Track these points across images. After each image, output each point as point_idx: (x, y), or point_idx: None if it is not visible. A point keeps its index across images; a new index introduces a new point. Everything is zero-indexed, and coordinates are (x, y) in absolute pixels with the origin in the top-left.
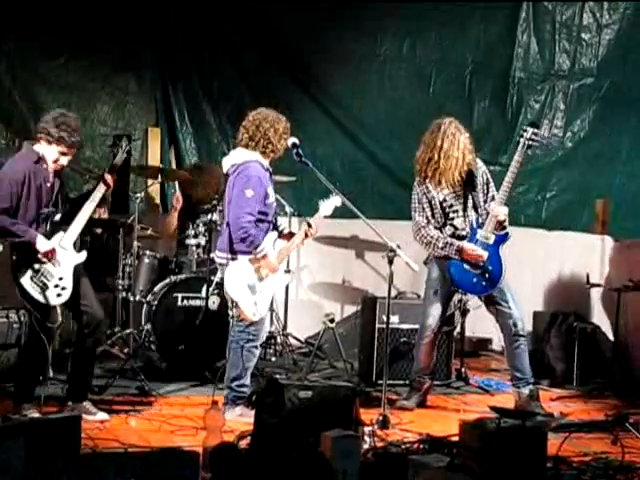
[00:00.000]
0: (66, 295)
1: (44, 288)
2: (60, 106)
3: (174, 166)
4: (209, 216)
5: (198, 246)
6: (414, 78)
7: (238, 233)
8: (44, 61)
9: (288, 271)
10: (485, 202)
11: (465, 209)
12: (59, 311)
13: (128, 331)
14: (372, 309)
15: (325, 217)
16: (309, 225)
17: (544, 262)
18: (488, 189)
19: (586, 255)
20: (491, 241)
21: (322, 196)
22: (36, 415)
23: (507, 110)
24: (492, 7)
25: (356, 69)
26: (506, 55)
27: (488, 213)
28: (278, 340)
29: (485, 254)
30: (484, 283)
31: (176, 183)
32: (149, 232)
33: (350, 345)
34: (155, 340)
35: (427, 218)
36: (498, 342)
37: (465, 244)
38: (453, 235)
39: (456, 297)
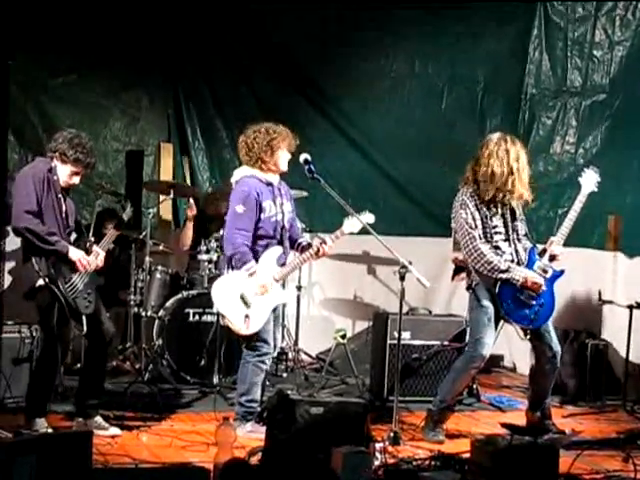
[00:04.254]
0: (92, 307)
1: (76, 297)
2: (73, 123)
3: (188, 181)
4: (221, 232)
5: (210, 262)
6: (426, 95)
7: (227, 249)
8: (57, 77)
9: (300, 287)
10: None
11: (508, 232)
12: (84, 321)
13: (140, 346)
14: (384, 325)
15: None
16: (323, 242)
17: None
18: (522, 218)
19: (598, 272)
20: (548, 275)
21: (334, 212)
22: (48, 430)
23: (519, 127)
24: (504, 24)
25: (368, 87)
26: (518, 72)
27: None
28: (289, 356)
29: (544, 286)
30: (533, 317)
31: (192, 200)
32: (161, 247)
33: (361, 361)
34: (166, 355)
35: (480, 236)
36: (510, 359)
37: (529, 272)
38: None
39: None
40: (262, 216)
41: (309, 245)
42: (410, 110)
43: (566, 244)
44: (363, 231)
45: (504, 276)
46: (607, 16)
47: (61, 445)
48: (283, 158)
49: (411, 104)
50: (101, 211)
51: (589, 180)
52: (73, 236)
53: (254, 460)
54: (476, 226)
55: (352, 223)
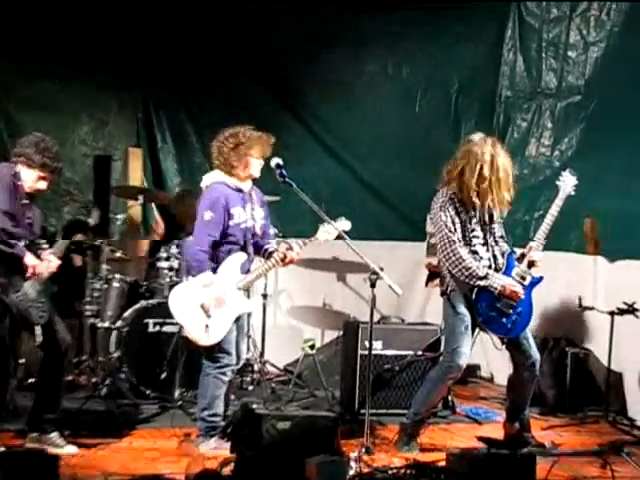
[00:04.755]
0: (46, 317)
1: (29, 307)
2: (40, 127)
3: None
4: (184, 238)
5: (170, 269)
6: (400, 98)
7: (187, 255)
8: (23, 81)
9: (265, 295)
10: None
11: (486, 236)
12: (38, 332)
13: (96, 359)
14: (354, 334)
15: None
16: (290, 248)
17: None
18: (500, 221)
19: (578, 277)
20: (527, 281)
21: (308, 217)
22: (1, 449)
23: (494, 129)
24: (478, 26)
25: (343, 92)
26: (492, 74)
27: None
28: (255, 368)
29: (523, 294)
30: (511, 326)
31: (154, 208)
32: (119, 254)
33: (331, 372)
34: (125, 369)
35: (459, 239)
36: (487, 368)
37: (508, 279)
38: None
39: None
40: (231, 223)
41: (276, 251)
42: (384, 114)
43: (544, 248)
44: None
45: (482, 283)
46: (582, 17)
47: (27, 460)
48: (254, 164)
49: (385, 108)
50: (72, 220)
51: (567, 183)
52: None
53: (226, 471)
54: (455, 230)
55: (327, 230)
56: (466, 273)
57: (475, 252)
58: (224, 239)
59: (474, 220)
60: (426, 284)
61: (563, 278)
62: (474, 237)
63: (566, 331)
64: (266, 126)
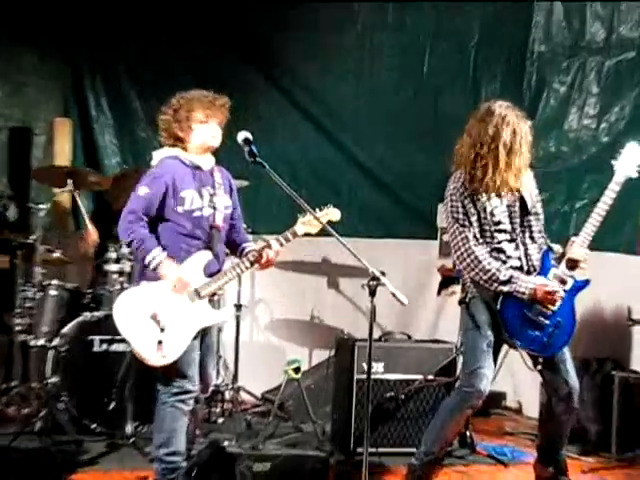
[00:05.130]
0: None
1: None
2: None
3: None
4: None
5: (121, 273)
6: (402, 55)
7: (123, 238)
8: None
9: (239, 306)
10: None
11: (514, 231)
12: None
13: (29, 386)
14: (349, 354)
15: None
16: (268, 246)
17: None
18: (537, 211)
19: (628, 283)
20: (568, 286)
21: (284, 207)
22: None
23: (524, 95)
24: None
25: (330, 48)
26: (522, 23)
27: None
28: (226, 396)
29: (561, 294)
30: (547, 340)
31: (84, 213)
32: (56, 255)
33: (321, 402)
34: (64, 397)
35: (475, 236)
36: (514, 397)
37: (540, 279)
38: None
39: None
40: (179, 209)
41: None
42: (383, 76)
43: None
44: (323, 232)
45: (505, 289)
46: None
47: None
48: (202, 131)
49: (384, 68)
50: None
51: (628, 161)
52: None
53: None
54: (470, 223)
55: (308, 222)
56: (484, 277)
57: (500, 250)
58: (179, 232)
59: (498, 210)
60: (438, 292)
61: (609, 285)
62: (499, 231)
63: (613, 350)
64: (233, 92)
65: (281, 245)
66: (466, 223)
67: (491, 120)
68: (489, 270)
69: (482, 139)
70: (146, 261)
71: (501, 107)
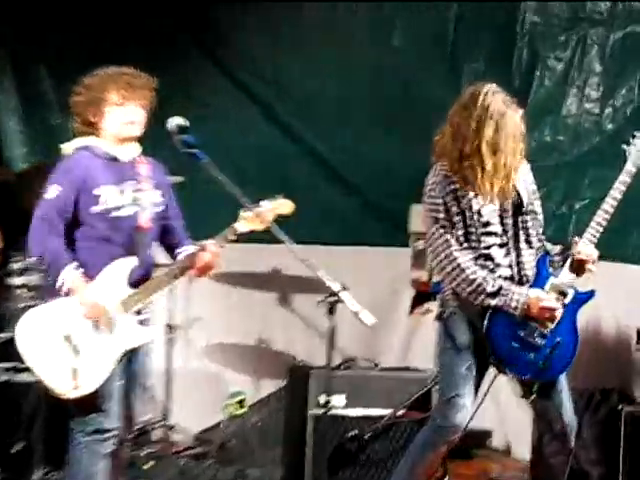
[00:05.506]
0: None
1: None
2: None
3: None
4: None
5: (28, 288)
6: (369, 30)
7: (32, 251)
8: None
9: (171, 326)
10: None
11: (506, 233)
12: None
13: None
14: (303, 385)
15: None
16: (202, 249)
17: None
18: (534, 209)
19: (637, 299)
20: (568, 298)
21: (227, 207)
22: None
23: (513, 75)
24: None
25: (282, 19)
26: None
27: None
28: (155, 436)
29: (560, 310)
30: (542, 364)
31: None
32: None
33: (269, 442)
34: None
35: (459, 240)
36: (501, 435)
37: (535, 291)
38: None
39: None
40: (94, 209)
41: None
42: (347, 52)
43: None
44: (272, 238)
45: (493, 302)
46: None
47: None
48: (118, 115)
49: (348, 42)
50: None
51: (636, 149)
52: None
53: None
54: (453, 224)
55: (253, 217)
56: (468, 288)
57: (488, 257)
58: (95, 237)
59: (487, 208)
60: (411, 310)
61: (615, 300)
62: (487, 234)
63: (619, 380)
64: (167, 74)
65: (219, 246)
66: (448, 224)
67: (474, 110)
68: (474, 280)
69: (464, 133)
70: (57, 284)
71: (486, 94)
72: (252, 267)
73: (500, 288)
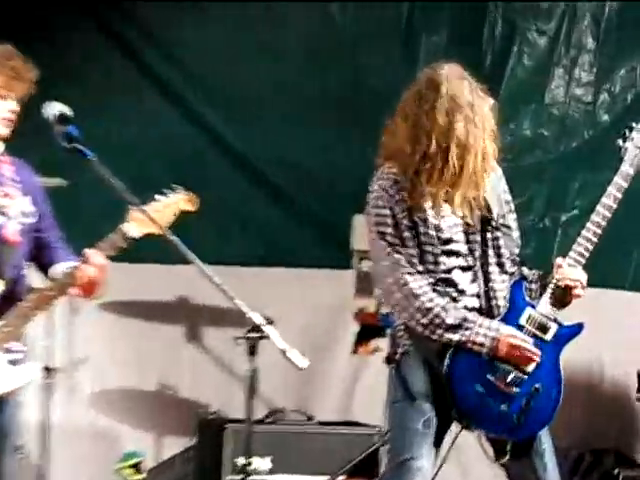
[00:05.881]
0: None
1: None
2: None
3: None
4: None
5: None
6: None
7: None
8: None
9: (49, 369)
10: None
11: (472, 253)
12: None
13: None
14: (217, 444)
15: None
16: (85, 261)
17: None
18: (507, 223)
19: (637, 335)
20: (549, 334)
21: (116, 216)
22: None
23: (484, 52)
24: None
25: None
26: None
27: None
28: None
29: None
30: (517, 417)
31: None
32: None
33: None
34: None
35: (411, 261)
36: None
37: (506, 328)
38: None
39: None
40: None
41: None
42: (277, 29)
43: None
44: (178, 257)
45: (454, 337)
46: None
47: None
48: None
49: (279, 17)
50: None
51: (635, 145)
52: None
53: None
54: (404, 241)
55: (143, 220)
56: (423, 320)
57: (449, 282)
58: None
59: (448, 222)
60: (355, 349)
61: (611, 336)
62: (447, 254)
63: (615, 438)
64: (40, 49)
65: (105, 256)
66: (397, 241)
67: (437, 100)
68: (430, 309)
69: (426, 129)
70: None
71: (450, 80)
72: (153, 294)
73: (464, 319)
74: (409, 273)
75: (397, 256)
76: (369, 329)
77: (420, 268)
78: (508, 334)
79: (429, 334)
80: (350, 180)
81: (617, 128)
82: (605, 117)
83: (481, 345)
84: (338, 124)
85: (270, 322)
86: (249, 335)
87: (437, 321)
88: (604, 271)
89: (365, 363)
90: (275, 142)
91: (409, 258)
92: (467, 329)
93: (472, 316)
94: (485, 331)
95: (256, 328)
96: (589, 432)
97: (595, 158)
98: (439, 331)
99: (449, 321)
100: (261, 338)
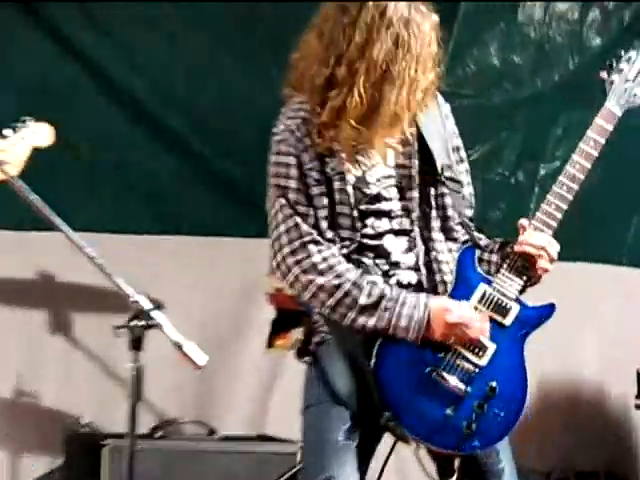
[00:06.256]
0: None
1: None
2: None
3: None
4: None
5: None
6: None
7: None
8: None
9: None
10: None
11: (408, 214)
12: None
13: None
14: (92, 464)
15: None
16: None
17: (535, 346)
18: (455, 177)
19: (633, 321)
20: (509, 318)
21: None
22: None
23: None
24: None
25: None
26: None
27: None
28: None
29: (491, 345)
30: (467, 424)
31: None
32: None
33: None
34: None
35: (318, 225)
36: None
37: (437, 301)
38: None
39: None
40: None
41: None
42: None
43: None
44: (39, 222)
45: (370, 322)
46: None
47: None
48: None
49: None
50: None
51: (634, 76)
52: None
53: None
54: (309, 199)
55: None
56: (329, 302)
57: (377, 251)
58: None
59: (375, 172)
60: (269, 342)
61: (601, 324)
62: (376, 215)
63: (607, 457)
64: None
65: None
66: (302, 199)
67: (362, 15)
68: (338, 286)
69: (340, 50)
70: None
71: None
72: (5, 271)
73: (380, 297)
74: (313, 241)
75: (298, 219)
76: (288, 316)
77: (329, 235)
78: (441, 308)
79: (339, 319)
80: (262, 124)
81: (611, 55)
82: (596, 41)
83: (406, 330)
84: (248, 53)
85: (160, 307)
86: (132, 324)
87: (347, 301)
88: (593, 242)
89: (283, 361)
90: (176, 81)
91: (314, 221)
92: (386, 309)
93: (394, 292)
94: (410, 311)
95: (142, 315)
96: (574, 451)
97: (582, 94)
98: (350, 314)
99: (362, 301)
100: (148, 327)
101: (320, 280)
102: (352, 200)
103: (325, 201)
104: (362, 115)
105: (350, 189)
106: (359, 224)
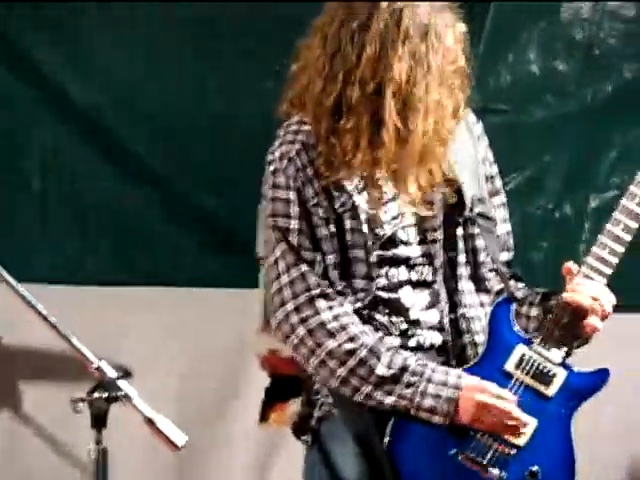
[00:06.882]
0: None
1: None
2: None
3: None
4: None
5: None
6: None
7: None
8: None
9: None
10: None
11: (431, 261)
12: None
13: None
14: None
15: None
16: None
17: (586, 420)
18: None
19: None
20: (553, 388)
21: None
22: None
23: None
24: None
25: None
26: None
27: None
28: None
29: (531, 420)
30: None
31: None
32: None
33: None
34: None
35: (327, 274)
36: None
37: (471, 380)
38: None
39: None
40: None
41: None
42: None
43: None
44: None
45: (388, 400)
46: None
47: None
48: None
49: None
50: None
51: None
52: None
53: None
54: (315, 242)
55: None
56: (339, 371)
57: (392, 306)
58: None
59: (389, 212)
60: (263, 415)
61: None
62: (391, 262)
63: None
64: None
65: None
66: (306, 243)
67: (374, 22)
68: (351, 353)
69: (349, 63)
70: None
71: None
72: None
73: (403, 369)
74: (322, 295)
75: (304, 268)
76: (285, 383)
77: (340, 287)
78: (473, 387)
79: (350, 393)
80: (254, 147)
81: None
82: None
83: (431, 411)
84: (244, 64)
85: (127, 375)
86: (94, 396)
87: (361, 372)
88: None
89: (280, 438)
90: (149, 95)
91: (325, 270)
92: (409, 385)
93: (418, 364)
94: (437, 389)
95: (106, 385)
96: None
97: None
98: (365, 388)
99: (380, 371)
100: (113, 400)
101: (330, 344)
102: (369, 242)
103: (335, 244)
104: (395, 143)
105: (365, 228)
106: (376, 271)
